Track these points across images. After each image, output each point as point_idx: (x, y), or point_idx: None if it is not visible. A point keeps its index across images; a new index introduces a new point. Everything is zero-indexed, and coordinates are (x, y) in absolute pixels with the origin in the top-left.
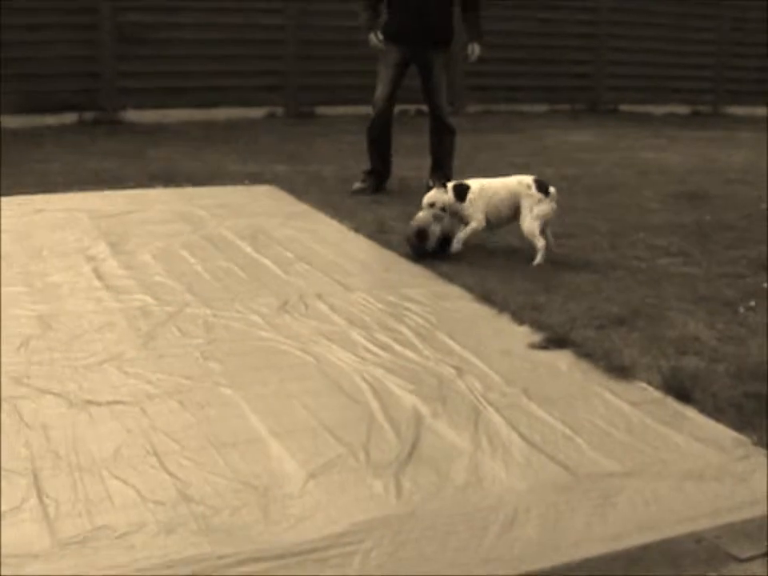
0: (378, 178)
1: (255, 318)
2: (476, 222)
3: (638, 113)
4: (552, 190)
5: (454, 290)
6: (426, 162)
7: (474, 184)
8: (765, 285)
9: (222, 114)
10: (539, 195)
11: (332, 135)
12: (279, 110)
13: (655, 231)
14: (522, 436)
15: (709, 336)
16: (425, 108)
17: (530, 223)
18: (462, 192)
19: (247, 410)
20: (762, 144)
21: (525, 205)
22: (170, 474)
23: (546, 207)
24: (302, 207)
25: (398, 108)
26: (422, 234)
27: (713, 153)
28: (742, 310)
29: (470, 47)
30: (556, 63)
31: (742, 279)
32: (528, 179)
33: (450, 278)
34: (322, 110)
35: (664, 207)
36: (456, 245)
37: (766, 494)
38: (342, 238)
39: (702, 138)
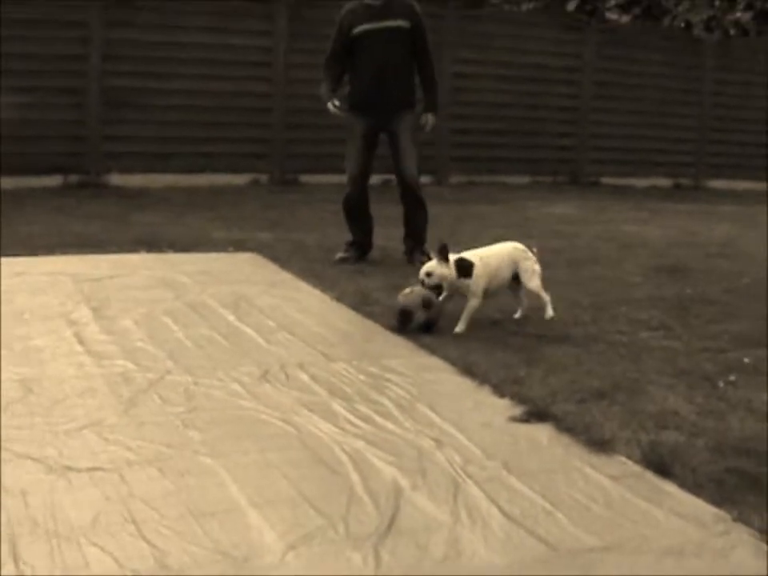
0: (360, 248)
1: (236, 386)
2: (477, 299)
3: (619, 185)
4: (534, 250)
5: (436, 362)
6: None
7: (474, 258)
8: (746, 360)
9: (206, 180)
10: (532, 256)
11: (315, 203)
12: (263, 177)
13: (636, 305)
14: (501, 510)
15: (689, 410)
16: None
17: (536, 282)
18: (467, 268)
19: (227, 479)
20: (742, 218)
21: (526, 267)
22: (149, 542)
23: (539, 266)
24: (285, 276)
25: (380, 178)
26: (405, 315)
27: (694, 226)
28: (722, 384)
29: (423, 117)
30: (538, 135)
31: (722, 354)
32: (517, 244)
33: (431, 350)
34: (305, 177)
35: (645, 281)
36: (461, 327)
37: (746, 570)
38: (324, 308)
39: (683, 212)
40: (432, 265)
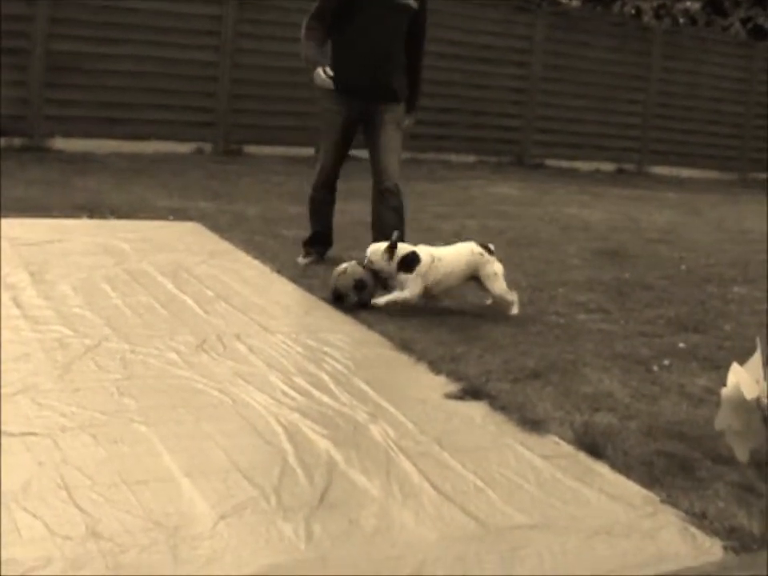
0: (322, 244)
1: (173, 355)
2: (410, 294)
3: (564, 168)
4: (492, 246)
5: (374, 337)
6: (352, 207)
7: (425, 256)
8: (680, 345)
9: (150, 147)
10: (492, 257)
11: (259, 175)
12: (207, 147)
13: (575, 287)
14: (433, 485)
15: (623, 393)
16: (353, 153)
17: (499, 285)
18: (410, 264)
19: (161, 447)
20: (684, 205)
21: (488, 272)
22: (80, 508)
23: (499, 264)
24: (225, 246)
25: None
26: (337, 296)
27: (636, 212)
28: (656, 368)
29: (406, 117)
30: (485, 115)
31: (658, 338)
32: (476, 247)
33: (369, 325)
34: (250, 148)
35: (585, 264)
36: (379, 301)
37: (672, 551)
38: (264, 280)
39: (625, 197)
40: (377, 252)
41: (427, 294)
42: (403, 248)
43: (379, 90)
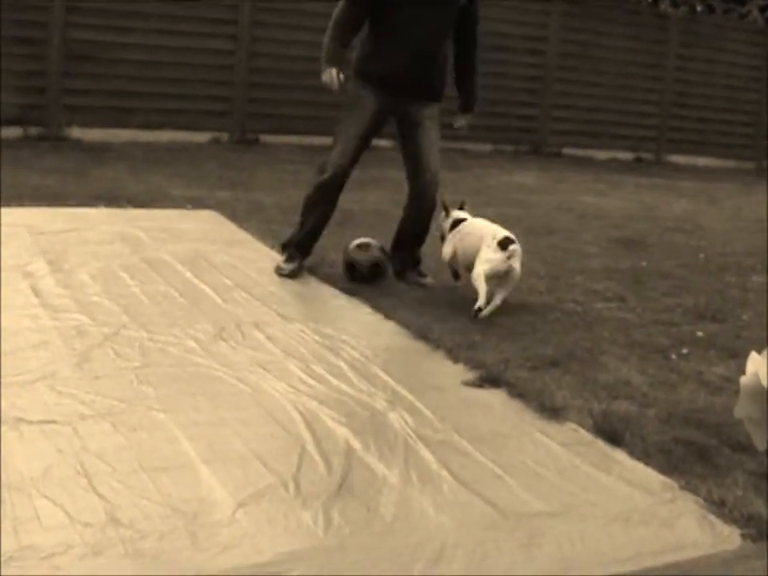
0: (307, 248)
1: (191, 343)
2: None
3: (580, 157)
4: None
5: (391, 326)
6: (370, 196)
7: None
8: (699, 333)
9: (167, 136)
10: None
11: (275, 164)
12: (224, 136)
13: (592, 276)
14: (451, 473)
15: (640, 381)
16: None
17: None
18: (506, 245)
19: (179, 435)
20: (701, 194)
21: (487, 256)
22: (100, 495)
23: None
24: (243, 235)
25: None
26: (350, 267)
27: (653, 200)
28: (674, 356)
29: (459, 117)
30: (502, 104)
31: (676, 327)
32: (499, 232)
33: (387, 314)
34: (266, 137)
35: (602, 252)
36: (485, 312)
37: (690, 538)
38: None
39: (643, 185)
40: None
41: (452, 258)
42: (458, 213)
43: (420, 89)
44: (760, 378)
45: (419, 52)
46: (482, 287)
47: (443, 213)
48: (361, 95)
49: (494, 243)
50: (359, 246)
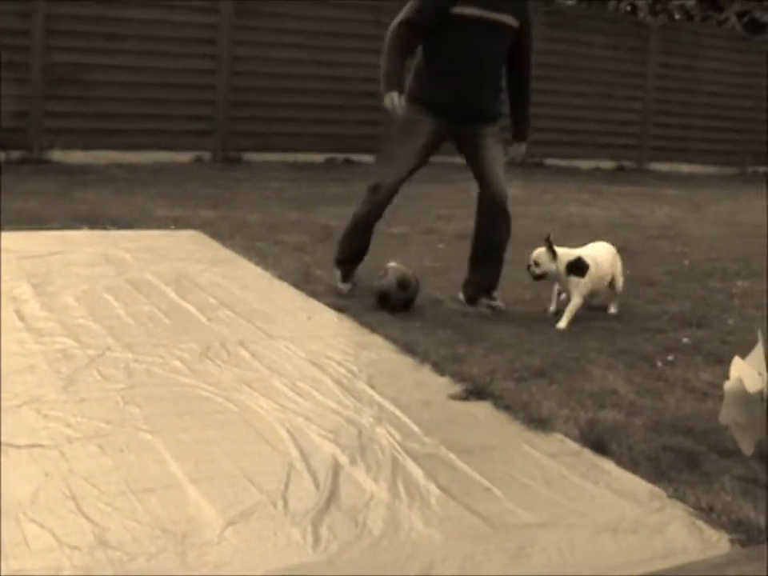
0: (356, 263)
1: (177, 363)
2: (581, 299)
3: (563, 167)
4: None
5: (377, 340)
6: (352, 211)
7: (589, 260)
8: (684, 340)
9: (149, 157)
10: (619, 257)
11: (258, 182)
12: (207, 155)
13: None
14: (439, 486)
15: (627, 389)
16: (353, 157)
17: (622, 282)
18: (581, 268)
19: (167, 455)
20: (685, 201)
21: (620, 270)
22: (88, 518)
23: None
24: (227, 253)
25: (324, 156)
26: (383, 297)
27: (636, 208)
28: (660, 364)
29: (514, 147)
30: None
31: (661, 334)
32: (612, 247)
33: (372, 328)
34: (249, 155)
35: None
36: (562, 324)
37: (680, 545)
38: (266, 286)
39: (626, 194)
40: (542, 254)
41: (590, 297)
42: (565, 252)
43: (476, 114)
44: (744, 382)
45: (475, 77)
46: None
47: (548, 253)
48: (416, 120)
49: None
50: (380, 276)
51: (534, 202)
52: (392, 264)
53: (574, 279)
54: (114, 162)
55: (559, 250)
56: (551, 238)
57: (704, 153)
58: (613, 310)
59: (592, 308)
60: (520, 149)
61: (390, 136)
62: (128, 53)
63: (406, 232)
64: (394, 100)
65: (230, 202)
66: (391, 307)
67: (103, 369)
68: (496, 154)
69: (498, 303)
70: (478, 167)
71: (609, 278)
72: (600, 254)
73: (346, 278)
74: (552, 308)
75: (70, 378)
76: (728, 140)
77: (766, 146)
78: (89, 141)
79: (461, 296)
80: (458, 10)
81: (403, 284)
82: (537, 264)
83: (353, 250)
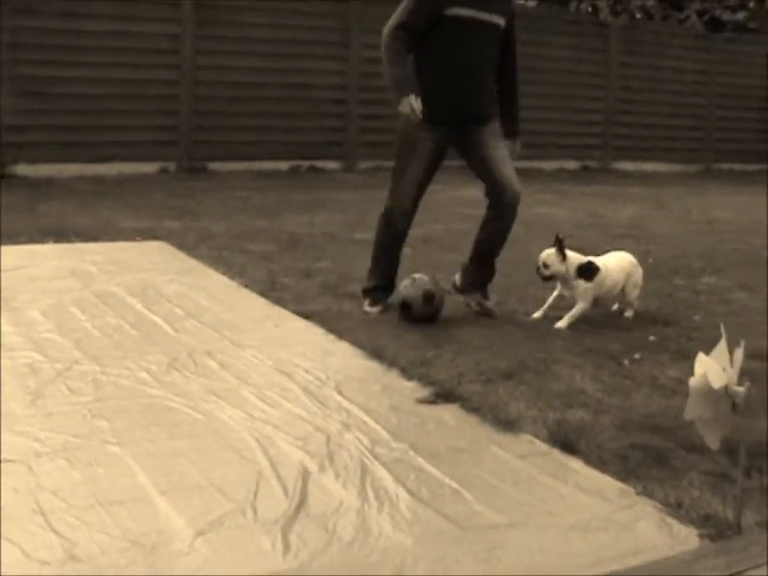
0: (389, 286)
1: (144, 375)
2: (586, 304)
3: (527, 168)
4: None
5: (344, 346)
6: (319, 218)
7: (600, 265)
8: (651, 338)
9: (114, 168)
10: (638, 266)
11: (223, 191)
12: (171, 166)
13: (543, 286)
14: (408, 490)
15: (594, 388)
16: (318, 164)
17: (637, 292)
18: (589, 273)
19: (135, 467)
20: (649, 199)
21: (634, 281)
22: (57, 532)
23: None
24: (193, 263)
25: (289, 164)
26: (405, 308)
27: (601, 208)
28: (627, 362)
29: (509, 145)
30: None
31: (628, 333)
32: (632, 258)
33: (339, 334)
34: (213, 165)
35: None
36: (562, 324)
37: (649, 542)
38: (232, 295)
39: (590, 193)
40: (551, 255)
41: (595, 303)
42: (576, 256)
43: (473, 117)
44: (709, 378)
45: (472, 80)
46: (635, 302)
47: (556, 255)
48: (417, 133)
49: (638, 267)
50: (407, 286)
51: None
52: (418, 275)
53: (581, 283)
54: (79, 174)
55: (569, 252)
56: (562, 239)
57: (667, 151)
58: (628, 314)
59: (609, 314)
60: (515, 146)
61: (396, 156)
62: (90, 65)
63: (370, 238)
64: (412, 103)
65: (195, 211)
66: (413, 318)
67: (70, 382)
68: (502, 153)
69: (491, 304)
70: (485, 169)
71: (619, 286)
72: (614, 262)
73: (375, 303)
74: (538, 314)
75: (37, 393)
76: (691, 137)
77: (729, 142)
78: (53, 154)
79: (456, 279)
80: (452, 11)
81: (428, 297)
82: (546, 266)
83: (381, 278)
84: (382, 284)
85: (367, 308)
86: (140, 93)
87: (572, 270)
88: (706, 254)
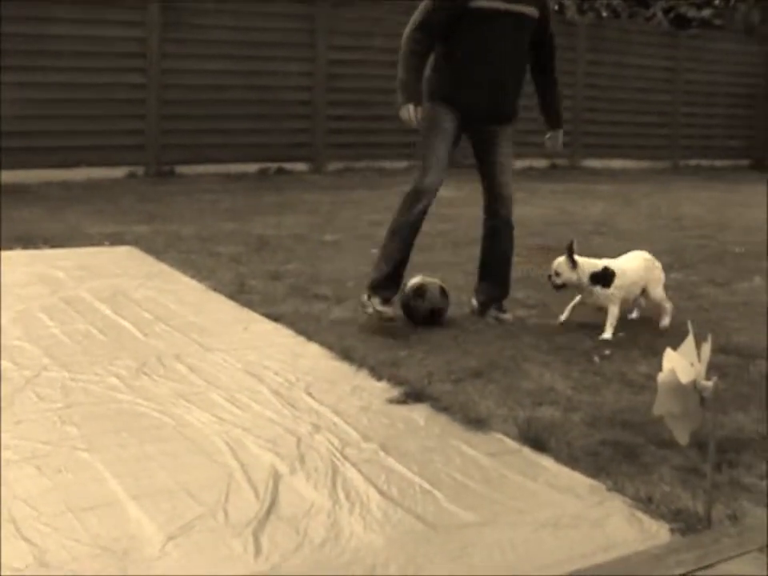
0: (397, 283)
1: (113, 380)
2: (617, 308)
3: None
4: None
5: (313, 348)
6: (287, 220)
7: (616, 269)
8: (620, 334)
9: (82, 174)
10: (658, 264)
11: (191, 194)
12: (140, 170)
13: (513, 284)
14: (379, 491)
15: (565, 386)
16: (286, 166)
17: (660, 291)
18: (607, 279)
19: (105, 473)
20: (618, 196)
21: (655, 277)
22: (27, 540)
23: (663, 275)
24: (162, 267)
25: (257, 166)
26: (438, 313)
27: (570, 205)
28: (597, 359)
29: (552, 136)
30: None
31: (598, 329)
32: (647, 255)
33: (309, 336)
34: (182, 169)
35: (522, 260)
36: (606, 335)
37: (620, 537)
38: (201, 298)
39: (559, 191)
40: (562, 264)
41: (623, 304)
42: (589, 262)
43: (498, 112)
44: (677, 373)
45: (499, 73)
46: (669, 304)
47: (568, 262)
48: (440, 116)
49: (657, 263)
50: (417, 292)
51: (470, 203)
52: (415, 277)
53: (600, 290)
54: (47, 180)
55: (580, 259)
56: (572, 246)
57: (635, 148)
58: (665, 322)
59: (640, 321)
60: (557, 136)
61: (420, 142)
62: (55, 69)
63: (339, 239)
64: (411, 112)
65: (164, 215)
66: (415, 318)
67: (39, 389)
68: (506, 158)
69: (507, 316)
70: (486, 169)
71: (640, 286)
72: (629, 262)
73: (387, 300)
74: (563, 317)
75: (6, 400)
76: (659, 134)
77: (696, 139)
78: (20, 160)
79: (474, 303)
80: (476, 3)
81: (418, 291)
82: (557, 274)
83: (393, 268)
84: (394, 277)
85: (379, 308)
86: (107, 97)
87: (584, 277)
88: (675, 249)
